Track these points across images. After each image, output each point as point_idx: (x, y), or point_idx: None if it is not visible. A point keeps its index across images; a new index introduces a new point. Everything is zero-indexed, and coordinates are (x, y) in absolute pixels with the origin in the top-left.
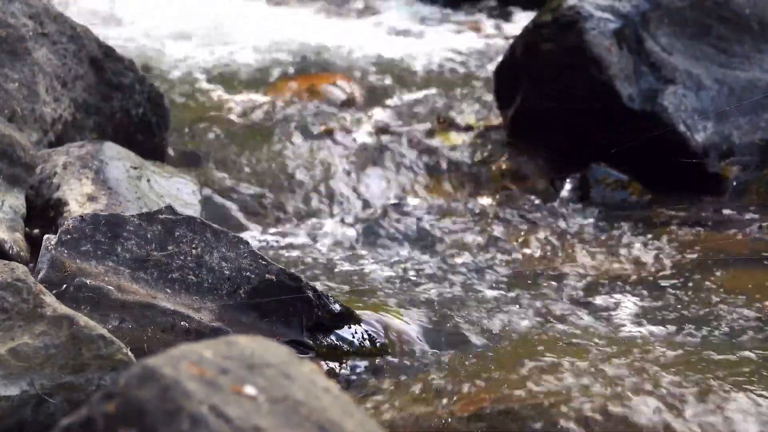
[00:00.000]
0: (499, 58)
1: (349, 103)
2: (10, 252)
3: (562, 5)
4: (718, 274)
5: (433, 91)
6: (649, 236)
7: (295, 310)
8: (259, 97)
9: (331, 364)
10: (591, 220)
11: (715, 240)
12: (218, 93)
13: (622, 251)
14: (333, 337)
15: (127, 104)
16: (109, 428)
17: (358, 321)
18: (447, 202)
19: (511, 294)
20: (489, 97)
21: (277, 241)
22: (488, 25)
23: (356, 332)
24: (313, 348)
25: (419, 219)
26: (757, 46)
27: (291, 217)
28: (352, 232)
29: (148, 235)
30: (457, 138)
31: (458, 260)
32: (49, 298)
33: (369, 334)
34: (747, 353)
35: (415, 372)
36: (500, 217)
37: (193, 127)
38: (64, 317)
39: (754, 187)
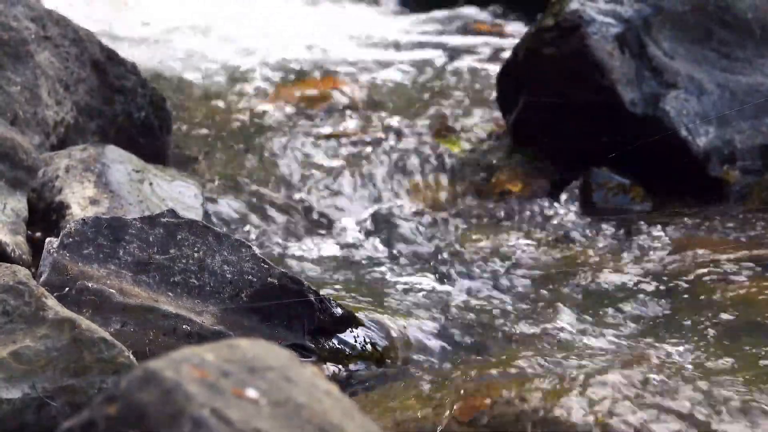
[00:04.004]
0: (502, 63)
1: (351, 108)
2: (12, 255)
3: (564, 9)
4: (720, 279)
5: (435, 95)
6: (651, 240)
7: (297, 313)
8: (261, 101)
9: (333, 368)
10: (592, 224)
11: (717, 245)
12: (221, 96)
13: (624, 255)
14: (335, 341)
15: (130, 107)
16: (111, 431)
17: (359, 324)
18: (448, 206)
19: (513, 298)
20: (491, 102)
21: (279, 245)
22: (491, 29)
23: (358, 336)
24: (315, 351)
25: (420, 223)
26: (759, 50)
27: (293, 220)
28: (353, 236)
29: (150, 239)
30: (459, 142)
31: (459, 264)
32: (51, 302)
33: (370, 338)
34: (748, 358)
35: (417, 376)
36: (501, 222)
37: (195, 131)
38: (66, 320)
39: (756, 192)
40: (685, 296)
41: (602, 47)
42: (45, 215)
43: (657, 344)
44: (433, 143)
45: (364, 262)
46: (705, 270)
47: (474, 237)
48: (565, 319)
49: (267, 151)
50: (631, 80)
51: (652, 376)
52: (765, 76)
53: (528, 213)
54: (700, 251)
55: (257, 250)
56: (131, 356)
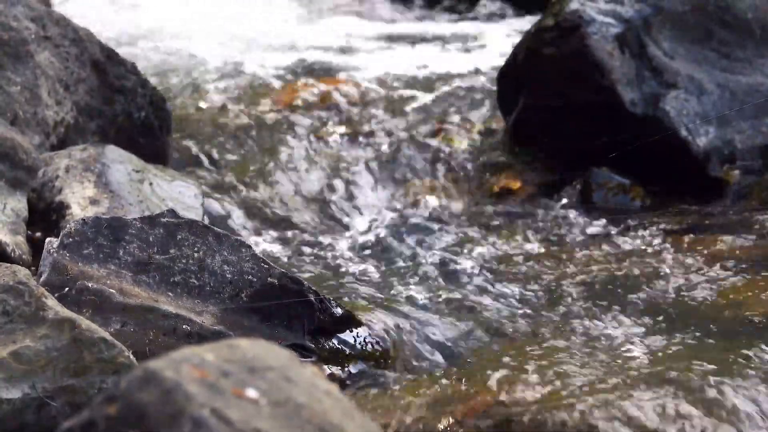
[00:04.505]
0: (502, 63)
1: (351, 108)
2: (12, 255)
3: (564, 10)
4: (720, 278)
5: (436, 95)
6: (651, 240)
7: (297, 313)
8: (262, 101)
9: (333, 368)
10: (592, 224)
11: (717, 244)
12: (221, 96)
13: (624, 255)
14: (335, 341)
15: (130, 107)
16: (111, 431)
17: (359, 324)
18: (449, 206)
19: (512, 298)
20: (492, 102)
21: (279, 245)
22: (491, 29)
23: (358, 336)
24: (315, 351)
25: (421, 223)
26: (759, 50)
27: (293, 220)
28: (354, 236)
29: (150, 239)
30: (459, 142)
31: (459, 264)
32: (51, 302)
33: (370, 338)
34: (747, 357)
35: (417, 376)
36: (502, 222)
37: (195, 131)
38: (66, 320)
39: (756, 192)
40: (685, 295)
41: (602, 47)
42: (45, 215)
43: (656, 344)
44: (434, 143)
45: (363, 262)
46: (705, 269)
47: (474, 237)
48: (565, 319)
49: (267, 151)
50: (631, 80)
51: (651, 375)
52: (765, 76)
53: (528, 213)
54: (700, 251)
55: (257, 250)
56: (131, 356)
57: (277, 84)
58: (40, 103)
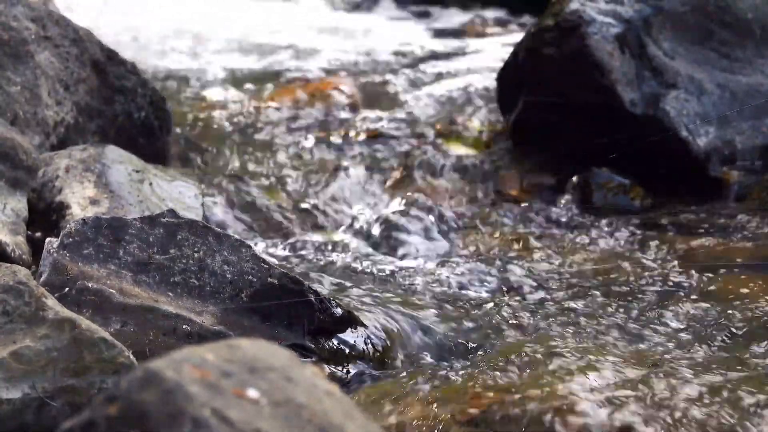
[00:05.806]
0: (502, 63)
1: (351, 108)
2: (12, 255)
3: (564, 9)
4: (719, 279)
5: (436, 95)
6: (651, 240)
7: (297, 313)
8: (261, 101)
9: (333, 368)
10: (592, 225)
11: (717, 244)
12: (221, 97)
13: (624, 255)
14: (335, 341)
15: (130, 107)
16: (111, 431)
17: (360, 325)
18: (448, 206)
19: (512, 298)
20: (492, 102)
21: (279, 245)
22: (491, 29)
23: (358, 336)
24: (315, 351)
25: (420, 223)
26: (759, 50)
27: (293, 220)
28: (354, 236)
29: (150, 239)
30: (459, 143)
31: (459, 264)
32: (51, 302)
33: (371, 338)
34: (747, 357)
35: (417, 376)
36: (502, 222)
37: (195, 131)
38: (66, 320)
39: (756, 192)
40: (685, 295)
41: (602, 47)
42: (45, 215)
43: (656, 344)
44: (433, 143)
45: (364, 262)
46: (704, 269)
47: (473, 237)
48: (565, 320)
49: (267, 152)
50: (631, 80)
51: (651, 376)
52: (765, 76)
53: (527, 213)
54: (700, 251)
55: (257, 250)
56: (131, 356)
57: (277, 84)
58: (40, 103)
